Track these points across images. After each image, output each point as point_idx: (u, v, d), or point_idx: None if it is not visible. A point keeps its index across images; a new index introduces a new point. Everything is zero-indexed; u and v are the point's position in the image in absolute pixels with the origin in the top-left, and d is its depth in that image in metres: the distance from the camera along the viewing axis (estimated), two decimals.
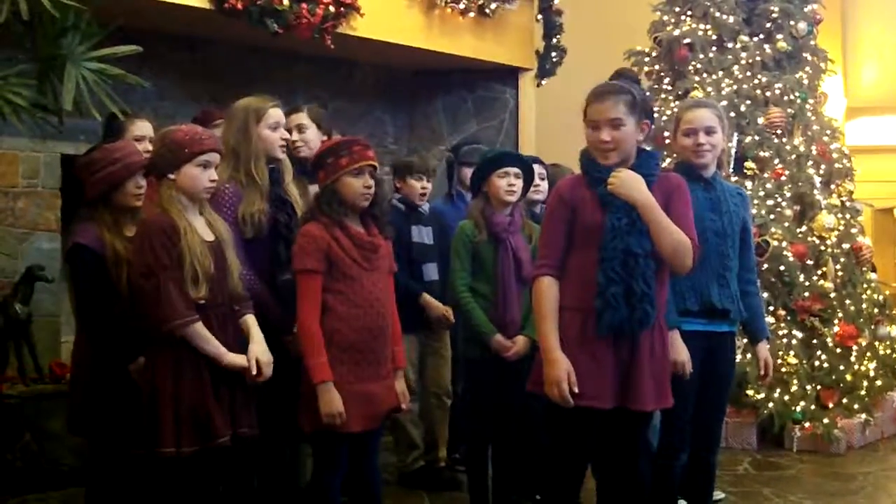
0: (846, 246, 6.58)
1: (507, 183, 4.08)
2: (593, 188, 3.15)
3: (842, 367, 6.16)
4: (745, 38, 6.93)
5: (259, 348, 3.36)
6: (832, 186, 6.78)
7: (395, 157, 5.23)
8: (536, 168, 4.62)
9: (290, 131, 4.14)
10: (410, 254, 4.80)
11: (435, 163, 5.22)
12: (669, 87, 7.08)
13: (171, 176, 3.27)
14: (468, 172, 5.26)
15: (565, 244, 3.17)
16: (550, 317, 3.13)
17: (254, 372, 3.31)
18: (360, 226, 3.48)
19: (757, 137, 6.63)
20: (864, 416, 6.10)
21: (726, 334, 3.84)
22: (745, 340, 4.84)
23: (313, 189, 3.82)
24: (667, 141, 6.60)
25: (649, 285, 3.11)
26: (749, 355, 5.59)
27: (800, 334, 6.20)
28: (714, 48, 6.94)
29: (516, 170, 4.12)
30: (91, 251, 3.45)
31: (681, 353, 3.57)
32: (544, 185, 4.65)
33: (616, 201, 3.11)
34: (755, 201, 6.38)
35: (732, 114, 6.45)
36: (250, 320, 3.42)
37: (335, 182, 3.42)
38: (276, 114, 3.82)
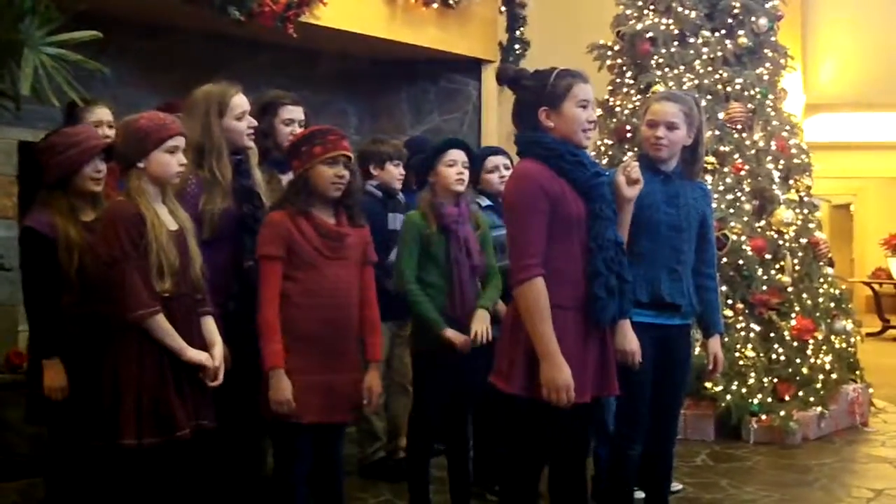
0: (804, 241, 6.65)
1: (457, 171, 3.95)
2: (573, 176, 3.14)
3: (798, 361, 6.23)
4: (707, 34, 6.96)
5: (218, 352, 3.36)
6: (791, 182, 6.84)
7: (362, 144, 5.08)
8: (502, 159, 4.60)
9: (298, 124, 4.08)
10: (388, 242, 4.69)
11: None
12: (632, 81, 7.10)
13: (140, 164, 3.24)
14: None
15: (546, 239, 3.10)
16: (549, 318, 3.04)
17: (213, 376, 3.31)
18: (330, 216, 3.46)
19: (717, 132, 6.68)
20: (819, 408, 6.17)
21: (681, 326, 3.85)
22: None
23: (285, 179, 3.79)
24: (629, 134, 6.66)
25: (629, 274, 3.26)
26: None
27: (757, 328, 6.27)
28: (676, 43, 6.96)
29: (464, 158, 4.00)
30: (41, 235, 3.41)
31: (630, 342, 3.54)
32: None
33: (601, 191, 3.17)
34: (715, 195, 6.43)
35: None
36: (209, 323, 3.39)
37: (308, 170, 3.40)
38: (240, 102, 3.72)
